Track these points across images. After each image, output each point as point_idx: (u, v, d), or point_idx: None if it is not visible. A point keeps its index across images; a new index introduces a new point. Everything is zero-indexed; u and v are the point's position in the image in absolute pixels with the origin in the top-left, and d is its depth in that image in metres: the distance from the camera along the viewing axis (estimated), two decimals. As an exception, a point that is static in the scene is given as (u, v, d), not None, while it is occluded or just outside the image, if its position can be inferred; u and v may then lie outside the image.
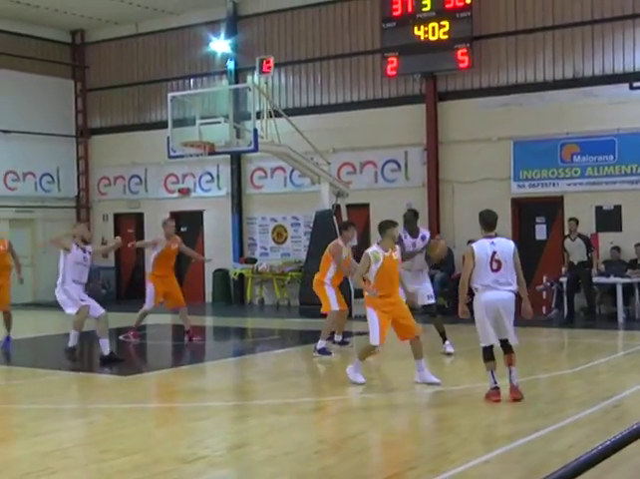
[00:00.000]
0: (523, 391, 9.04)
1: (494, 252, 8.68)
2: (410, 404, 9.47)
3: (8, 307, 14.23)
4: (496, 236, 8.97)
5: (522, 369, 10.80)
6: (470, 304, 9.01)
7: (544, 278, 17.81)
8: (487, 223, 8.91)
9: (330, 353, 12.63)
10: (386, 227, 10.23)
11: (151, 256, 14.54)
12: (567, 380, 10.74)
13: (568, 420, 8.17)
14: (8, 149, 23.19)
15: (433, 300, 12.77)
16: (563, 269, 17.23)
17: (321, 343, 12.63)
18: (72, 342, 12.35)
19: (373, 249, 10.09)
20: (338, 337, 13.34)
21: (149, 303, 14.31)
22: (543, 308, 17.82)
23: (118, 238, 13.08)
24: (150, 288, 14.39)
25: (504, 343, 8.87)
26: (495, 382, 8.91)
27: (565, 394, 9.92)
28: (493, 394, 8.92)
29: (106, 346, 12.34)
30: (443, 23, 19.17)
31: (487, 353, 8.91)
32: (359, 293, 14.23)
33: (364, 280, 10.03)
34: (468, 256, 8.83)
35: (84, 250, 12.41)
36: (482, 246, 8.75)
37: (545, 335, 15.28)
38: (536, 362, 11.90)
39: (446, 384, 10.05)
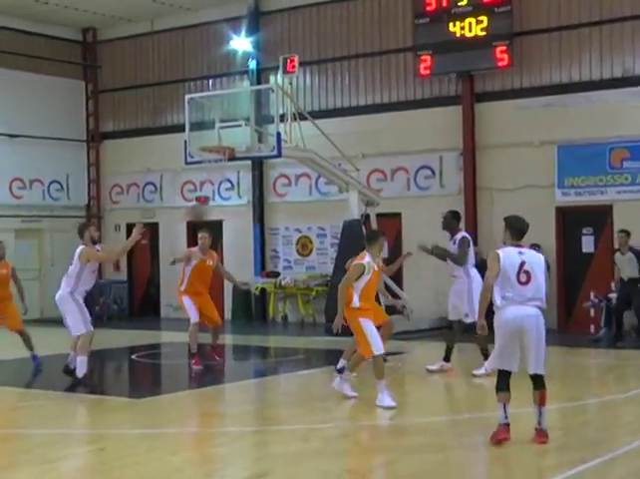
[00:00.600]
0: (571, 417, 8.93)
1: (523, 263, 8.22)
2: (446, 430, 9.37)
3: (21, 327, 14.16)
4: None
5: (569, 394, 10.70)
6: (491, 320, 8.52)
7: (592, 295, 17.60)
8: (518, 230, 8.49)
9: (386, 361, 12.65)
10: (377, 236, 11.03)
11: (186, 270, 13.97)
12: (619, 406, 10.57)
13: (620, 450, 8.04)
14: (14, 154, 23.33)
15: (471, 319, 12.66)
16: (613, 285, 17.02)
17: (341, 362, 12.37)
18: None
19: (367, 261, 10.61)
20: (343, 363, 13.17)
21: (194, 317, 13.76)
22: (591, 327, 17.61)
23: (139, 225, 11.99)
24: (187, 302, 13.87)
25: (534, 377, 8.27)
26: (507, 418, 8.27)
27: (617, 421, 9.78)
28: (502, 432, 8.25)
29: (83, 366, 11.84)
30: (480, 18, 19.09)
31: (503, 382, 8.31)
32: (390, 310, 14.23)
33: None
34: (492, 261, 8.30)
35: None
36: (510, 254, 8.29)
37: (593, 356, 15.12)
38: (584, 386, 11.77)
39: (486, 410, 9.92)
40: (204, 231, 14.21)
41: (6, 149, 23.24)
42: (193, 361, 13.76)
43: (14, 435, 9.51)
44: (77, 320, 11.85)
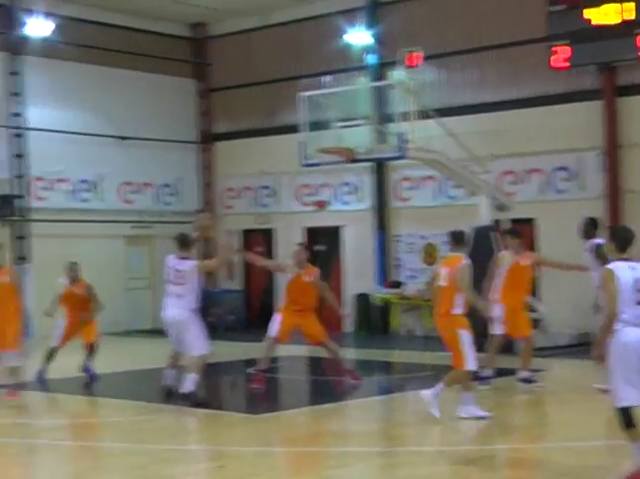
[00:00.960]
0: None
1: (638, 280, 7.73)
2: (590, 458, 9.13)
3: (94, 339, 14.84)
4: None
5: None
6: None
7: None
8: (625, 241, 7.96)
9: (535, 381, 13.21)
10: (466, 236, 11.30)
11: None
12: None
13: None
14: (124, 157, 24.02)
15: None
16: None
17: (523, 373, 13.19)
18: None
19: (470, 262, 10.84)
20: (522, 373, 13.38)
21: (271, 331, 13.83)
22: None
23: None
24: (276, 316, 14.00)
25: None
26: None
27: None
28: None
29: (192, 384, 12.11)
30: (623, 4, 18.76)
31: (627, 417, 7.69)
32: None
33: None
34: (608, 280, 7.79)
35: None
36: (622, 271, 7.79)
37: None
38: None
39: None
40: (300, 243, 14.23)
41: (116, 151, 23.92)
42: (255, 380, 13.76)
43: (131, 450, 9.83)
44: (200, 341, 12.13)
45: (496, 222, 18.40)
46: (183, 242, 12.44)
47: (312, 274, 13.91)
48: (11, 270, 13.30)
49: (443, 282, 10.94)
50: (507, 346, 14.38)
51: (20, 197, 22.30)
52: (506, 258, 13.51)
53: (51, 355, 14.74)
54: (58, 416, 12.63)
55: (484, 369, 13.05)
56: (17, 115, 22.45)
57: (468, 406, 10.83)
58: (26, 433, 11.16)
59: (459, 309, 10.77)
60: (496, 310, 13.08)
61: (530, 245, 19.52)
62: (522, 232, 17.13)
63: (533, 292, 18.20)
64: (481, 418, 10.73)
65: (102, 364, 15.05)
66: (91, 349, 14.85)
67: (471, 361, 10.74)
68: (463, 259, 10.94)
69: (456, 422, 10.97)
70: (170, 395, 12.52)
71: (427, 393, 10.85)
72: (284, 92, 24.11)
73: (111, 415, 12.22)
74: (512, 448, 9.75)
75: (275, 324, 13.81)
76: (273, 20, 24.58)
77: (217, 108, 25.97)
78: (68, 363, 14.94)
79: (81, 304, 14.81)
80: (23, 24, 22.03)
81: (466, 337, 10.74)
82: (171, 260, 12.36)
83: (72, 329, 14.82)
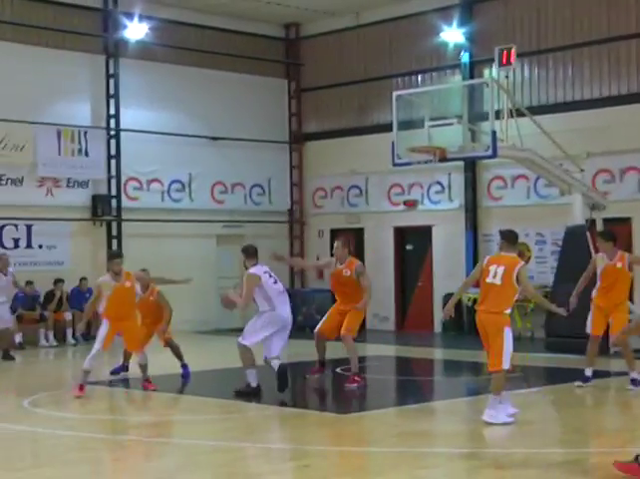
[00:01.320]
0: None
1: None
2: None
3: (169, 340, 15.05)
4: None
5: None
6: None
7: None
8: None
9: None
10: (517, 236, 11.28)
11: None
12: None
13: None
14: (216, 157, 24.29)
15: None
16: None
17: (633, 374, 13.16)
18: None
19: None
20: (632, 374, 13.28)
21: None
22: None
23: None
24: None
25: None
26: None
27: None
28: None
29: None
30: None
31: None
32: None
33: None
34: None
35: None
36: None
37: None
38: None
39: None
40: (339, 239, 14.42)
41: (208, 151, 24.22)
42: (352, 377, 13.90)
43: (215, 448, 9.88)
44: None
45: (592, 221, 18.13)
46: (254, 252, 13.42)
47: (351, 269, 13.95)
48: (133, 277, 13.74)
49: (496, 281, 10.79)
50: (605, 348, 14.26)
51: (116, 197, 22.71)
52: (600, 261, 13.39)
53: (128, 353, 14.90)
54: (146, 413, 12.81)
55: (586, 370, 13.29)
56: (113, 116, 22.87)
57: (494, 410, 10.74)
58: (116, 429, 11.35)
59: (510, 308, 10.83)
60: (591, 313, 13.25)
61: (627, 245, 19.23)
62: (618, 231, 16.89)
63: (630, 296, 17.87)
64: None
65: (191, 362, 15.21)
66: (170, 347, 15.03)
67: (507, 361, 10.76)
68: (519, 260, 10.89)
69: (543, 424, 10.82)
70: (257, 393, 12.72)
71: (488, 413, 10.71)
72: (375, 91, 24.19)
73: (198, 413, 12.32)
74: (601, 452, 9.55)
75: (322, 319, 14.38)
76: (365, 19, 24.61)
77: (308, 108, 26.09)
78: (155, 361, 15.14)
79: (153, 312, 14.85)
80: (120, 27, 22.46)
81: (509, 336, 10.76)
82: (262, 268, 13.12)
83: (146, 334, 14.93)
